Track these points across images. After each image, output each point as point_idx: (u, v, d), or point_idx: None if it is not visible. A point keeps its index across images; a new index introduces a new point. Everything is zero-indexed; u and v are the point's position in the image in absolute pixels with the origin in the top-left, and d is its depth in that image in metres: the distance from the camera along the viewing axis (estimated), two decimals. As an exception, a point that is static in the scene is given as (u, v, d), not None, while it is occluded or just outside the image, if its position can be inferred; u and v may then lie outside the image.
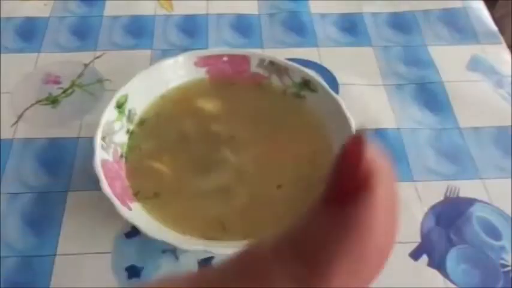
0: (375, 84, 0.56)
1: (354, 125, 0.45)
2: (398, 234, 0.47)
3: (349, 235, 0.12)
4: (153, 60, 0.57)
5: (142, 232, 0.39)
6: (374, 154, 0.13)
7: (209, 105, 0.50)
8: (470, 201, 0.47)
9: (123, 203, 0.40)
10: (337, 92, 0.54)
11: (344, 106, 0.46)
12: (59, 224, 0.44)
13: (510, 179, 0.49)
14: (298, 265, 0.12)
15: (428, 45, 0.61)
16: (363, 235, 0.13)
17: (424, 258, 0.43)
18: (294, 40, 0.61)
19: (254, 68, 0.51)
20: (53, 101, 0.54)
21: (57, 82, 0.56)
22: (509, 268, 0.43)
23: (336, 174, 0.13)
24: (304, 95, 0.49)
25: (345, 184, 0.13)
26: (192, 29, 0.62)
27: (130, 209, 0.41)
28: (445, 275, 0.43)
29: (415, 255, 0.44)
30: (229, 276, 0.13)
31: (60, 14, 0.63)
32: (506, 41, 0.62)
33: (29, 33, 0.61)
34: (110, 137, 0.45)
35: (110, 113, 0.46)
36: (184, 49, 0.57)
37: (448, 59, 0.60)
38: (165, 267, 0.42)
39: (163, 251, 0.43)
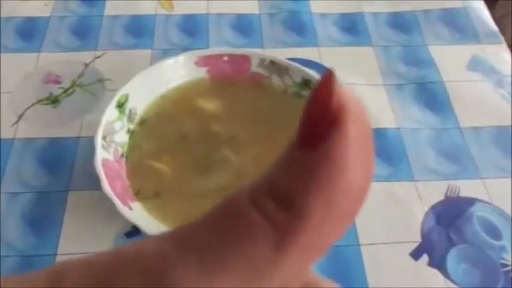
0: (375, 84, 0.56)
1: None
2: (399, 234, 0.47)
3: (323, 170, 0.12)
4: (154, 60, 0.58)
5: (143, 232, 0.39)
6: (344, 91, 0.13)
7: (209, 105, 0.50)
8: (471, 201, 0.47)
9: (124, 202, 0.40)
10: (337, 91, 0.54)
11: (344, 106, 0.46)
12: (60, 224, 0.44)
13: (510, 179, 0.49)
14: (274, 206, 0.12)
15: (428, 45, 0.61)
16: (338, 169, 0.12)
17: (425, 258, 0.44)
18: (295, 40, 0.61)
19: (255, 67, 0.51)
20: (54, 100, 0.54)
21: (57, 82, 0.56)
22: (510, 268, 0.43)
23: (307, 116, 0.13)
24: (304, 95, 0.49)
25: (316, 124, 0.13)
26: (192, 29, 0.62)
27: (130, 209, 0.41)
28: (446, 274, 0.43)
29: (416, 255, 0.44)
30: (206, 226, 0.13)
31: (60, 14, 0.63)
32: (506, 41, 0.62)
33: (30, 33, 0.61)
34: (111, 137, 0.45)
35: (110, 112, 0.46)
36: (185, 49, 0.57)
37: (449, 59, 0.60)
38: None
39: (164, 251, 0.43)
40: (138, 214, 0.41)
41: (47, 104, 0.54)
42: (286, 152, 0.13)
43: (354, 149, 0.12)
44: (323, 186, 0.12)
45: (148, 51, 0.59)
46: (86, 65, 0.58)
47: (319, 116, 0.13)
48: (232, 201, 0.13)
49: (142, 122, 0.48)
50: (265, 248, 0.12)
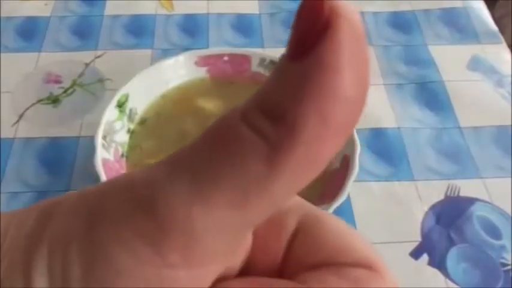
0: (376, 84, 0.57)
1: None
2: (399, 234, 0.47)
3: (315, 78, 0.11)
4: (154, 59, 0.58)
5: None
6: None
7: (210, 104, 0.50)
8: (471, 201, 0.47)
9: (124, 202, 0.40)
10: (337, 91, 0.54)
11: (344, 105, 0.46)
12: (60, 223, 0.44)
13: (510, 179, 0.49)
14: (264, 120, 0.12)
15: (428, 45, 0.61)
16: (330, 75, 0.11)
17: (425, 258, 0.44)
18: (295, 40, 0.61)
19: (255, 67, 0.51)
20: (54, 100, 0.54)
21: (58, 81, 0.56)
22: (510, 267, 0.43)
23: (297, 24, 0.12)
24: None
25: (307, 31, 0.12)
26: (192, 29, 0.62)
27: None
28: (446, 274, 0.43)
29: (416, 254, 0.44)
30: (197, 147, 0.12)
31: (60, 14, 0.64)
32: (506, 41, 0.62)
33: (30, 32, 0.61)
34: (111, 136, 0.45)
35: (110, 112, 0.46)
36: (185, 49, 0.57)
37: (449, 59, 0.60)
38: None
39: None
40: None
41: (47, 103, 0.54)
42: (277, 66, 0.12)
43: (346, 53, 0.12)
44: (315, 94, 0.11)
45: (148, 51, 0.59)
46: (86, 64, 0.58)
47: (309, 22, 0.12)
48: (224, 119, 0.13)
49: (143, 122, 0.48)
50: (257, 165, 0.12)
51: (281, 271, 0.15)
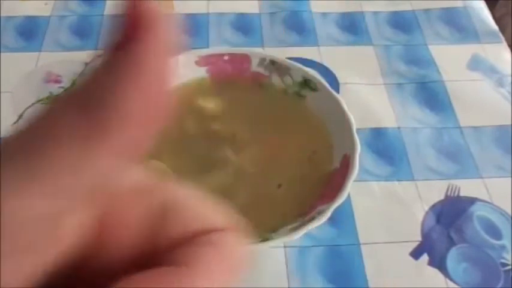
0: (376, 83, 0.56)
1: (354, 124, 0.45)
2: (399, 233, 0.46)
3: (120, 76, 0.13)
4: (154, 59, 0.57)
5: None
6: (150, 10, 0.14)
7: (210, 104, 0.50)
8: (471, 200, 0.47)
9: (124, 202, 0.40)
10: (337, 91, 0.54)
11: (345, 105, 0.46)
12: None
13: (510, 178, 0.49)
14: (78, 116, 0.13)
15: (429, 44, 0.61)
16: (132, 75, 0.13)
17: (425, 258, 0.44)
18: (295, 39, 0.61)
19: (255, 67, 0.51)
20: (54, 100, 0.54)
21: (58, 81, 0.56)
22: (510, 267, 0.43)
23: (122, 24, 0.14)
24: (304, 94, 0.49)
25: (124, 32, 0.13)
26: (192, 28, 0.62)
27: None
28: (446, 274, 0.43)
29: (416, 254, 0.44)
30: (23, 135, 0.13)
31: (61, 13, 0.63)
32: (506, 41, 0.62)
33: (30, 32, 0.61)
34: (111, 136, 0.45)
35: (110, 112, 0.46)
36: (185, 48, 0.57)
37: (449, 58, 0.60)
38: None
39: (164, 250, 0.43)
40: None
41: (47, 103, 0.54)
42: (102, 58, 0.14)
43: (151, 56, 0.13)
44: (118, 89, 0.13)
45: (148, 51, 0.59)
46: (87, 64, 0.58)
47: (127, 26, 0.13)
48: (48, 108, 0.13)
49: (143, 122, 0.48)
50: (68, 156, 0.12)
51: (156, 255, 0.15)
